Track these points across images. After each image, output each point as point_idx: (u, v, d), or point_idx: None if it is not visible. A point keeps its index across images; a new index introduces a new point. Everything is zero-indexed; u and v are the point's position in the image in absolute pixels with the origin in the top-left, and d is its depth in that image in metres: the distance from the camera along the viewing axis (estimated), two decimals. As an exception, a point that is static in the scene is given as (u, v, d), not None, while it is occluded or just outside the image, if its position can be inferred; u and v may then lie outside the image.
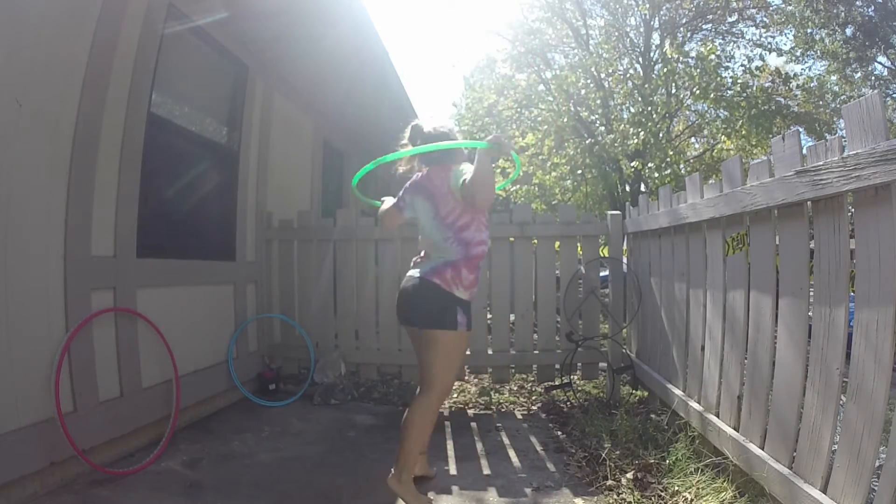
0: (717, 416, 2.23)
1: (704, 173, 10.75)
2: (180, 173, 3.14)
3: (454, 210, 2.08)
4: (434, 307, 2.01)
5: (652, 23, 12.22)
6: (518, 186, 11.48)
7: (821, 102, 12.49)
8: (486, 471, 2.43)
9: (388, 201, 2.36)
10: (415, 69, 45.37)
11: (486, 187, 1.88)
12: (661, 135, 10.63)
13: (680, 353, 2.72)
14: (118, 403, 2.50)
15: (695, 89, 10.12)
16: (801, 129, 9.02)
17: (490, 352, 3.77)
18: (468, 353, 3.75)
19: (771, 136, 9.21)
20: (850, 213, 1.56)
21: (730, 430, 2.07)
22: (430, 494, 2.17)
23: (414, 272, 2.12)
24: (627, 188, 11.38)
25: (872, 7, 11.68)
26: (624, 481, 2.19)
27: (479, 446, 2.76)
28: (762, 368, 1.91)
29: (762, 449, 1.84)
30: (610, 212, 3.96)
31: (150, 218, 2.75)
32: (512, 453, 2.65)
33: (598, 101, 11.14)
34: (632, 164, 9.94)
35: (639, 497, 2.04)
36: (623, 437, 2.57)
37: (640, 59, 12.30)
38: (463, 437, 2.87)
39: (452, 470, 2.45)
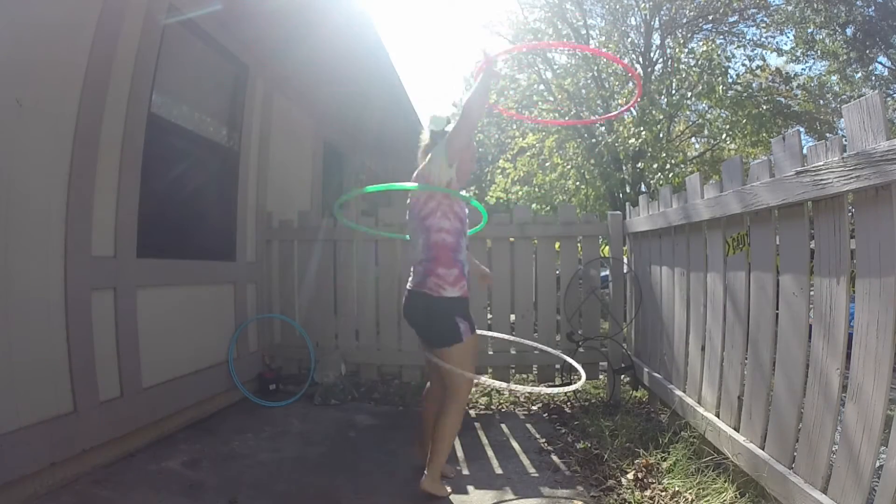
0: (718, 417, 2.23)
1: (705, 173, 10.76)
2: (180, 173, 3.13)
3: (420, 198, 2.06)
4: (436, 325, 2.05)
5: (652, 23, 12.22)
6: (519, 187, 11.49)
7: (821, 102, 12.50)
8: (498, 470, 2.45)
9: None
10: (415, 70, 45.40)
11: (478, 105, 1.96)
12: (661, 135, 10.63)
13: (680, 354, 2.72)
14: (118, 403, 2.50)
15: (697, 88, 10.12)
16: (801, 129, 9.04)
17: (490, 352, 3.77)
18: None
19: (771, 135, 9.21)
20: (850, 214, 1.56)
21: (730, 431, 2.07)
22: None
23: (408, 284, 2.16)
24: (628, 189, 11.38)
25: (872, 7, 11.67)
26: (625, 481, 2.19)
27: (486, 446, 2.76)
28: (762, 369, 1.91)
29: (762, 449, 1.84)
30: (610, 212, 3.96)
31: (150, 218, 2.75)
32: (517, 454, 2.65)
33: (599, 102, 11.14)
34: (638, 167, 9.94)
35: (639, 497, 2.04)
36: (624, 438, 2.58)
37: (641, 59, 12.30)
38: (468, 438, 2.87)
39: (465, 470, 2.46)
